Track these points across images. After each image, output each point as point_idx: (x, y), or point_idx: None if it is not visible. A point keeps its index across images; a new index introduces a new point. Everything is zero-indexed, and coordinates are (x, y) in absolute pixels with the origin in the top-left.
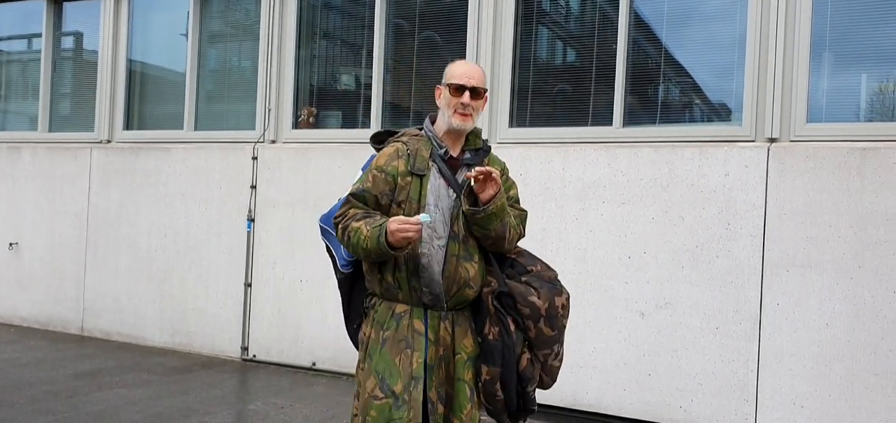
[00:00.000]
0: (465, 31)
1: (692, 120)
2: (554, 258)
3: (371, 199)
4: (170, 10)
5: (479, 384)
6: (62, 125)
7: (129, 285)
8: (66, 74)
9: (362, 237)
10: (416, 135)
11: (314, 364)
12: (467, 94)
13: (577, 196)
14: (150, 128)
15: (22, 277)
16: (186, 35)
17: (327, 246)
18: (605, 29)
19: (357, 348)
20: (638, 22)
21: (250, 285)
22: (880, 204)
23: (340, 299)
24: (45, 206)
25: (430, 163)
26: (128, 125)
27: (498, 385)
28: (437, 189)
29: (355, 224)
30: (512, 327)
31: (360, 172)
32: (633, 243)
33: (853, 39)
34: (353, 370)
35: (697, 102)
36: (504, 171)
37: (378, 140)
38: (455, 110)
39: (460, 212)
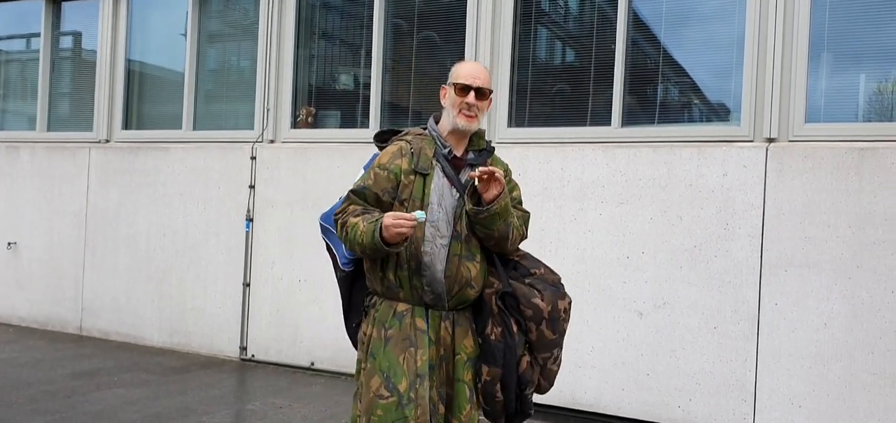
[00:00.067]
0: (464, 31)
1: (691, 120)
2: (552, 258)
3: (371, 196)
4: (168, 9)
5: (479, 384)
6: (61, 125)
7: (127, 284)
8: (65, 74)
9: (359, 233)
10: (420, 134)
11: (313, 364)
12: (472, 94)
13: (576, 196)
14: (148, 128)
15: (20, 276)
16: (185, 35)
17: (327, 244)
18: (603, 29)
19: (356, 346)
20: (636, 22)
21: (249, 285)
22: (879, 204)
23: (340, 297)
24: (43, 205)
25: (434, 162)
26: (126, 125)
27: (498, 386)
28: (440, 188)
29: (353, 220)
30: (514, 329)
31: (363, 171)
32: (632, 243)
33: (851, 39)
34: (351, 370)
35: (696, 102)
36: (507, 172)
37: (382, 139)
38: (460, 110)
39: (463, 211)
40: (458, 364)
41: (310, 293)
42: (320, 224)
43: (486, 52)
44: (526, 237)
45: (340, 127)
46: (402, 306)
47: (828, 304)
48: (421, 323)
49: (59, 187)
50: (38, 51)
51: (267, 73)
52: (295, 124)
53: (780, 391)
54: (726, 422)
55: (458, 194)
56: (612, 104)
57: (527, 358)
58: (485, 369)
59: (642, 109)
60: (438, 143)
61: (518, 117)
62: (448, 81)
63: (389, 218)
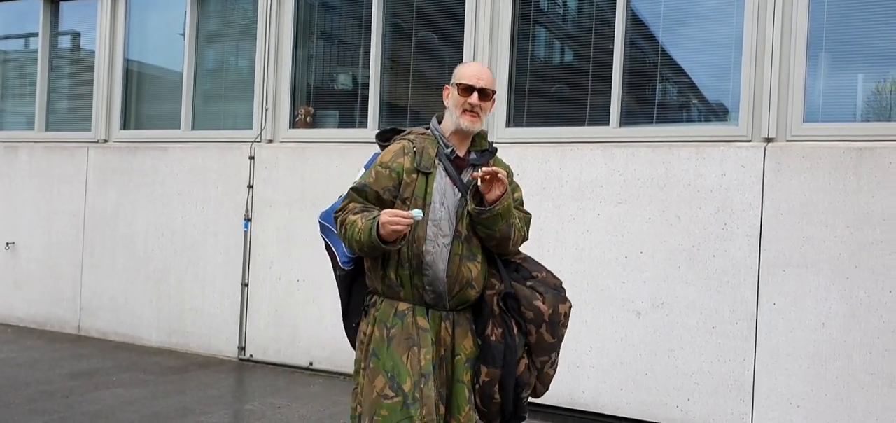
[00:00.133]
0: (463, 31)
1: (689, 120)
2: (551, 258)
3: (372, 194)
4: (167, 9)
5: (477, 385)
6: (59, 125)
7: (125, 284)
8: (63, 74)
9: (357, 230)
10: (423, 133)
11: (311, 364)
12: (476, 94)
13: (574, 196)
14: (147, 127)
15: (18, 276)
16: (183, 34)
17: (326, 243)
18: (602, 29)
19: (354, 346)
20: (635, 22)
21: (247, 285)
22: (877, 204)
23: (339, 297)
24: (41, 205)
25: (437, 161)
26: (125, 125)
27: (496, 388)
28: (442, 187)
29: (352, 218)
30: (515, 330)
31: (363, 170)
32: (630, 243)
33: (849, 39)
34: (350, 370)
35: (694, 101)
36: (509, 174)
37: (383, 138)
38: (463, 111)
39: (465, 211)
40: (457, 365)
41: (308, 293)
42: (319, 223)
43: (485, 51)
44: (527, 239)
45: (339, 127)
46: (403, 306)
47: (826, 304)
48: (423, 322)
49: (57, 187)
50: (36, 50)
51: (265, 72)
52: (293, 124)
53: (778, 390)
54: (724, 422)
55: (460, 194)
56: (610, 104)
57: (524, 361)
58: (484, 369)
59: (641, 109)
60: (441, 143)
61: (516, 117)
62: (451, 82)
63: (386, 215)
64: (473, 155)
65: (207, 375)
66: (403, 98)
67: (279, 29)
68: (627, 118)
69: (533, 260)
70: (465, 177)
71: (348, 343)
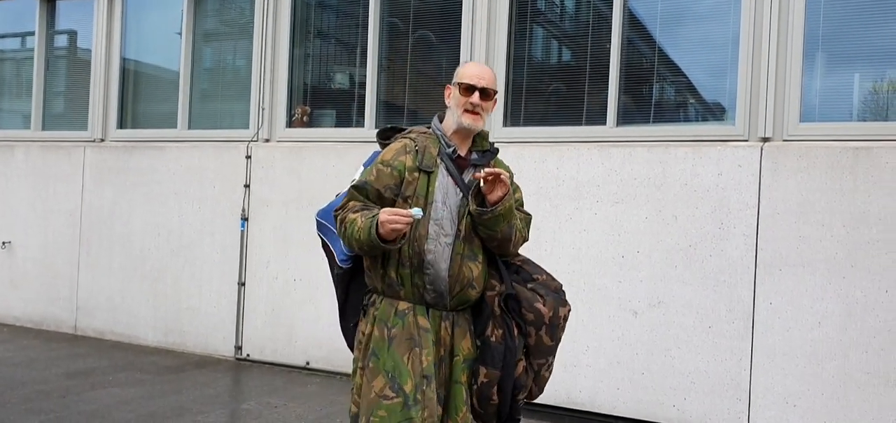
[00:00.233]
0: (459, 30)
1: (686, 119)
2: (548, 258)
3: (373, 192)
4: (164, 8)
5: (475, 386)
6: (55, 124)
7: (122, 284)
8: (60, 73)
9: (356, 228)
10: (424, 133)
11: (308, 364)
12: (477, 94)
13: (571, 195)
14: (143, 126)
15: (15, 276)
16: (180, 33)
17: (323, 241)
18: (598, 28)
19: (350, 346)
20: (632, 21)
21: (244, 285)
22: (873, 204)
23: (336, 296)
24: (38, 204)
25: (439, 161)
26: (121, 124)
27: (494, 389)
28: (444, 187)
29: (352, 216)
30: (515, 332)
31: (362, 168)
32: (627, 242)
33: (846, 39)
34: (347, 370)
35: (691, 101)
36: (509, 175)
37: (384, 136)
38: (464, 110)
39: (467, 211)
40: (455, 366)
41: (305, 293)
42: (317, 220)
43: (482, 51)
44: (527, 239)
45: (336, 126)
46: (403, 305)
47: (822, 303)
48: (424, 322)
49: (53, 186)
50: (32, 49)
51: (262, 72)
52: (290, 123)
53: (774, 390)
54: (721, 421)
55: (461, 194)
56: (607, 103)
57: (522, 363)
58: (483, 370)
59: (637, 109)
60: (443, 142)
61: (513, 116)
62: (453, 81)
63: (385, 214)
64: (475, 155)
65: (204, 374)
66: (400, 97)
67: (276, 28)
68: (624, 118)
69: (532, 262)
70: (467, 177)
71: (345, 343)
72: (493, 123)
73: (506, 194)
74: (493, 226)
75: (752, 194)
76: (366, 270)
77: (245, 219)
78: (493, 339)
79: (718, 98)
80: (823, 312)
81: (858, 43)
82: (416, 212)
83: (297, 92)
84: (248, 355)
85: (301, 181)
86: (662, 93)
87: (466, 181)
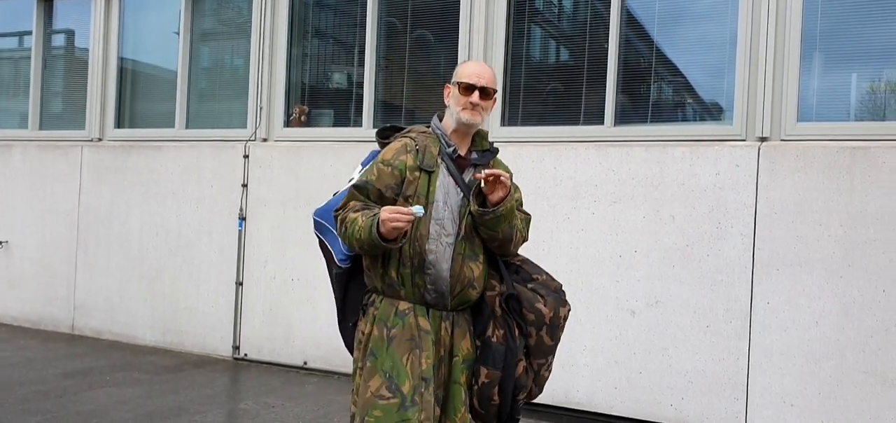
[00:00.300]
0: (457, 30)
1: (683, 119)
2: (545, 258)
3: (374, 192)
4: (161, 7)
5: (475, 386)
6: (53, 123)
7: (120, 283)
8: (57, 72)
9: (357, 228)
10: (424, 132)
11: (305, 363)
12: (476, 93)
13: (569, 195)
14: (141, 126)
15: (12, 276)
16: (178, 33)
17: (321, 240)
18: (596, 28)
19: (348, 346)
20: (630, 21)
21: (242, 284)
22: (870, 203)
23: (334, 296)
24: (35, 204)
25: (439, 160)
26: (119, 123)
27: (495, 389)
28: (445, 186)
29: (352, 216)
30: (516, 332)
31: (360, 167)
32: (624, 242)
33: (844, 39)
34: (344, 370)
35: (688, 101)
36: (509, 175)
37: (384, 135)
38: (463, 108)
39: (468, 211)
40: (454, 366)
41: (303, 292)
42: (314, 220)
43: (480, 50)
44: (527, 239)
45: (334, 126)
46: (403, 305)
47: (819, 303)
48: (424, 323)
49: (51, 186)
50: (30, 49)
51: (260, 71)
52: (288, 123)
53: (772, 389)
54: (719, 420)
55: (462, 194)
56: (605, 103)
57: (522, 363)
58: (484, 371)
59: (635, 108)
60: (443, 141)
61: (511, 116)
62: (452, 80)
63: (386, 212)
64: (475, 155)
65: (202, 374)
66: (398, 97)
67: (274, 27)
68: (622, 117)
69: (531, 262)
70: (467, 176)
71: (342, 342)
72: (491, 122)
73: (507, 195)
74: (495, 226)
75: (750, 194)
76: (365, 269)
77: (243, 218)
78: (494, 339)
79: (716, 98)
80: (821, 311)
81: (856, 43)
82: (418, 210)
83: (295, 91)
84: (245, 354)
85: (299, 181)
86: (660, 93)
87: (466, 181)
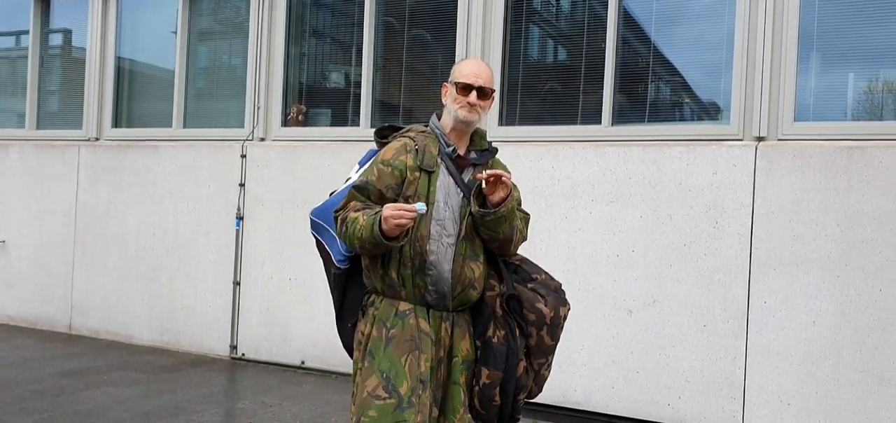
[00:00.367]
0: (455, 29)
1: (681, 119)
2: (543, 257)
3: (374, 192)
4: (159, 7)
5: (476, 387)
6: (50, 122)
7: (117, 283)
8: (54, 71)
9: (358, 226)
10: (423, 131)
11: (303, 363)
12: (474, 93)
13: (567, 195)
14: (138, 125)
15: (9, 275)
16: (175, 32)
17: (318, 241)
18: (594, 27)
19: (347, 348)
20: (627, 20)
21: (239, 284)
22: (867, 203)
23: (332, 297)
24: (32, 204)
25: (439, 160)
26: (116, 123)
27: (497, 390)
28: (446, 186)
29: (353, 215)
30: (517, 333)
31: (357, 166)
32: (622, 241)
33: (840, 39)
34: (342, 369)
35: (686, 100)
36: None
37: (382, 135)
38: (461, 106)
39: (468, 212)
40: (454, 367)
41: (300, 292)
42: (311, 219)
43: (477, 49)
44: (526, 239)
45: (331, 125)
46: (404, 306)
47: (816, 302)
48: (425, 325)
49: (48, 186)
50: (27, 48)
51: (257, 70)
52: (285, 122)
53: (769, 388)
54: (716, 420)
55: (462, 194)
56: (602, 103)
57: (523, 363)
58: (485, 371)
59: (632, 108)
60: (442, 141)
61: (509, 116)
62: (450, 79)
63: (389, 209)
64: (474, 154)
65: (199, 374)
66: (396, 96)
67: (271, 27)
68: (619, 117)
69: (530, 261)
70: (466, 176)
71: (339, 342)
72: (489, 122)
73: (508, 196)
74: (495, 227)
75: (747, 194)
76: (364, 270)
77: (240, 218)
78: (495, 340)
79: (713, 97)
80: (817, 311)
81: (852, 43)
82: (420, 207)
83: (293, 91)
84: (243, 354)
85: (296, 180)
86: (657, 92)
87: (466, 181)
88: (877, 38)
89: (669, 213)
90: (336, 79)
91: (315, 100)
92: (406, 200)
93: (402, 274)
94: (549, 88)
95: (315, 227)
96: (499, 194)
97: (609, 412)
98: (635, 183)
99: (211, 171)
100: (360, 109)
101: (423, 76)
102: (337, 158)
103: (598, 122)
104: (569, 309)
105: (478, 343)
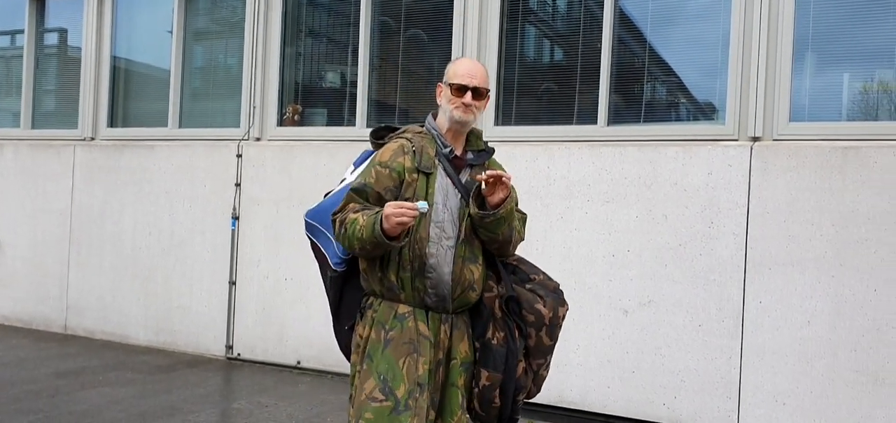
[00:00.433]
0: (451, 29)
1: (676, 119)
2: (539, 257)
3: (373, 195)
4: (154, 6)
5: (476, 389)
6: (45, 122)
7: (113, 283)
8: (50, 71)
9: (358, 227)
10: (420, 132)
11: (299, 363)
12: (469, 94)
13: (562, 195)
14: (134, 125)
15: (4, 275)
16: (171, 32)
17: (313, 243)
18: (590, 27)
19: (344, 350)
20: (623, 20)
21: (235, 284)
22: (862, 203)
23: (328, 299)
24: (27, 203)
25: (437, 161)
26: (112, 122)
27: (497, 392)
28: (444, 188)
29: (352, 216)
30: (516, 334)
31: (352, 167)
32: (617, 241)
33: (836, 39)
34: (338, 369)
35: (681, 100)
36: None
37: (378, 136)
38: (456, 107)
39: (467, 213)
40: (452, 369)
41: (296, 292)
42: (306, 221)
43: (473, 49)
44: (524, 239)
45: (327, 125)
46: (403, 308)
47: (811, 302)
48: (424, 328)
49: (43, 185)
50: (22, 47)
51: (253, 70)
52: (281, 122)
53: (764, 388)
54: (711, 419)
55: (460, 195)
56: (598, 103)
57: (522, 364)
58: (485, 373)
59: (628, 108)
60: (439, 142)
61: (505, 115)
62: (444, 80)
63: (390, 207)
64: (470, 154)
65: (195, 374)
66: (392, 96)
67: (267, 26)
68: (615, 117)
69: (528, 262)
70: (463, 177)
71: (335, 342)
72: (485, 122)
73: (507, 197)
74: (495, 229)
75: (742, 194)
76: (362, 272)
77: (236, 218)
78: (495, 342)
79: (709, 98)
80: (812, 310)
81: (848, 43)
82: (422, 205)
83: (289, 90)
84: (238, 354)
85: (292, 180)
86: (653, 92)
87: (463, 182)
88: (872, 39)
89: (665, 213)
90: (332, 78)
91: (311, 99)
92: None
93: (401, 277)
94: (544, 87)
95: (310, 229)
96: (498, 196)
97: (605, 412)
98: (631, 183)
99: (207, 170)
100: (355, 108)
101: (419, 76)
102: (333, 157)
103: (594, 122)
104: (567, 309)
105: (477, 345)
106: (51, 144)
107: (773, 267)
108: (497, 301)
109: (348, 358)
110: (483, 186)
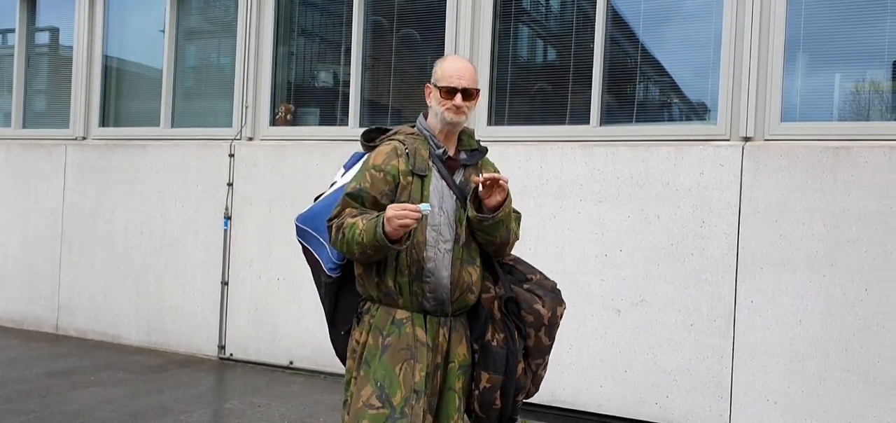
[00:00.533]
0: (444, 29)
1: (668, 119)
2: (532, 257)
3: (369, 199)
4: (146, 5)
5: (476, 391)
6: (37, 121)
7: (104, 283)
8: (41, 70)
9: (358, 231)
10: (411, 133)
11: (291, 363)
12: (459, 96)
13: (555, 194)
14: (126, 125)
15: None
16: (163, 31)
17: (304, 248)
18: (582, 27)
19: (340, 356)
20: (615, 20)
21: (227, 284)
22: (853, 203)
23: (322, 303)
24: (19, 203)
25: (430, 163)
26: (104, 122)
27: (497, 394)
28: (440, 190)
29: (350, 220)
30: (516, 335)
31: (343, 169)
32: (610, 241)
33: (827, 40)
34: (330, 369)
35: (674, 101)
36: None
37: (369, 138)
38: (447, 109)
39: (464, 215)
40: (450, 372)
41: (288, 292)
42: (297, 225)
43: (466, 49)
44: (519, 238)
45: (320, 124)
46: (401, 313)
47: (802, 301)
48: (421, 334)
49: (34, 185)
50: (13, 46)
51: (246, 70)
52: (274, 122)
53: (755, 387)
54: (703, 418)
55: (455, 197)
56: (590, 103)
57: (521, 364)
58: (485, 376)
59: (620, 108)
60: (432, 143)
61: (497, 115)
62: (432, 81)
63: (392, 210)
64: (463, 155)
65: (187, 374)
66: (384, 96)
67: (259, 26)
68: (608, 117)
69: (524, 261)
70: (457, 178)
71: (328, 342)
72: (478, 121)
73: (505, 199)
74: (493, 232)
75: (734, 193)
76: (358, 278)
77: (228, 218)
78: (495, 344)
79: (701, 98)
80: (804, 310)
81: (839, 43)
82: (425, 207)
83: (281, 90)
84: (231, 354)
85: (284, 180)
86: (645, 92)
87: (458, 183)
88: (863, 40)
89: (657, 213)
90: (324, 78)
91: (303, 99)
92: None
93: (399, 282)
94: (537, 87)
95: (301, 233)
96: (495, 198)
97: (597, 411)
98: (623, 183)
99: (199, 170)
100: (348, 108)
101: (411, 75)
102: (325, 157)
103: (587, 122)
104: (565, 308)
105: (475, 347)
106: (42, 144)
107: (765, 267)
108: (495, 302)
109: (345, 364)
110: (480, 188)
